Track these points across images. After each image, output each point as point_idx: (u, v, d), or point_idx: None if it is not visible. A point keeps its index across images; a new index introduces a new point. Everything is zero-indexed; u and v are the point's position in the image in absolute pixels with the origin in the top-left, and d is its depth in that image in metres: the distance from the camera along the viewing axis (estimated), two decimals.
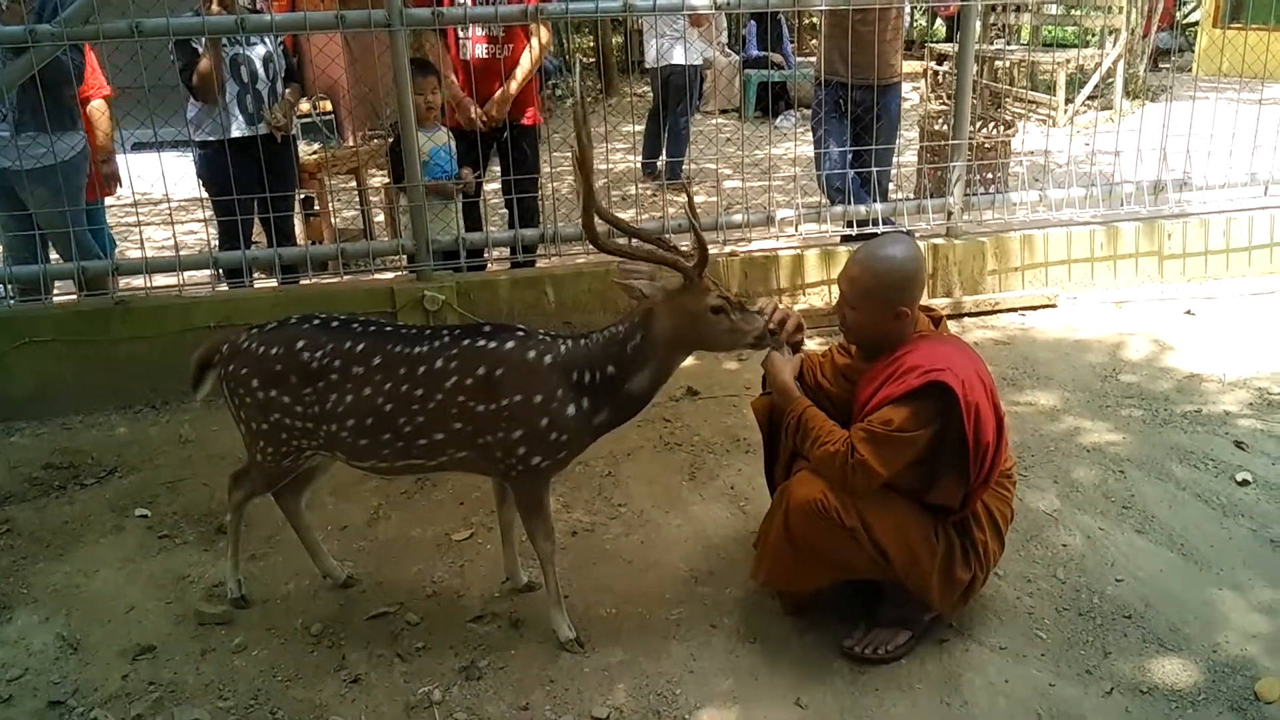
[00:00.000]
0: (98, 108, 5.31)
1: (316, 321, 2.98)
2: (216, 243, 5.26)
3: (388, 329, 2.96)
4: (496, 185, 5.87)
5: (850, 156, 5.60)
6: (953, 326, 5.29)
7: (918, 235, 5.67)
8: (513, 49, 5.42)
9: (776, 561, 2.94)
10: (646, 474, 4.02)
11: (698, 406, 4.60)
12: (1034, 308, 5.56)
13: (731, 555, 3.42)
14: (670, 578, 3.34)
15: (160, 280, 4.97)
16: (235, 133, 5.11)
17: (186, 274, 4.95)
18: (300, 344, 2.91)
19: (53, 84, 4.64)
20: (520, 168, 5.39)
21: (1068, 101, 11.31)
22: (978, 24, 5.40)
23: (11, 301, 4.84)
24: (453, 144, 5.39)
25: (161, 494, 3.98)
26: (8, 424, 4.58)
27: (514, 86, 5.36)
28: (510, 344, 2.85)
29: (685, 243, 2.91)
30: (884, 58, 5.52)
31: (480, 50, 5.39)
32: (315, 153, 7.33)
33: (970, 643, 2.97)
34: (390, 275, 5.14)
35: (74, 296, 4.93)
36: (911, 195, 6.62)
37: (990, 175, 7.06)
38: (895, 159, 5.89)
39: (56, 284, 5.13)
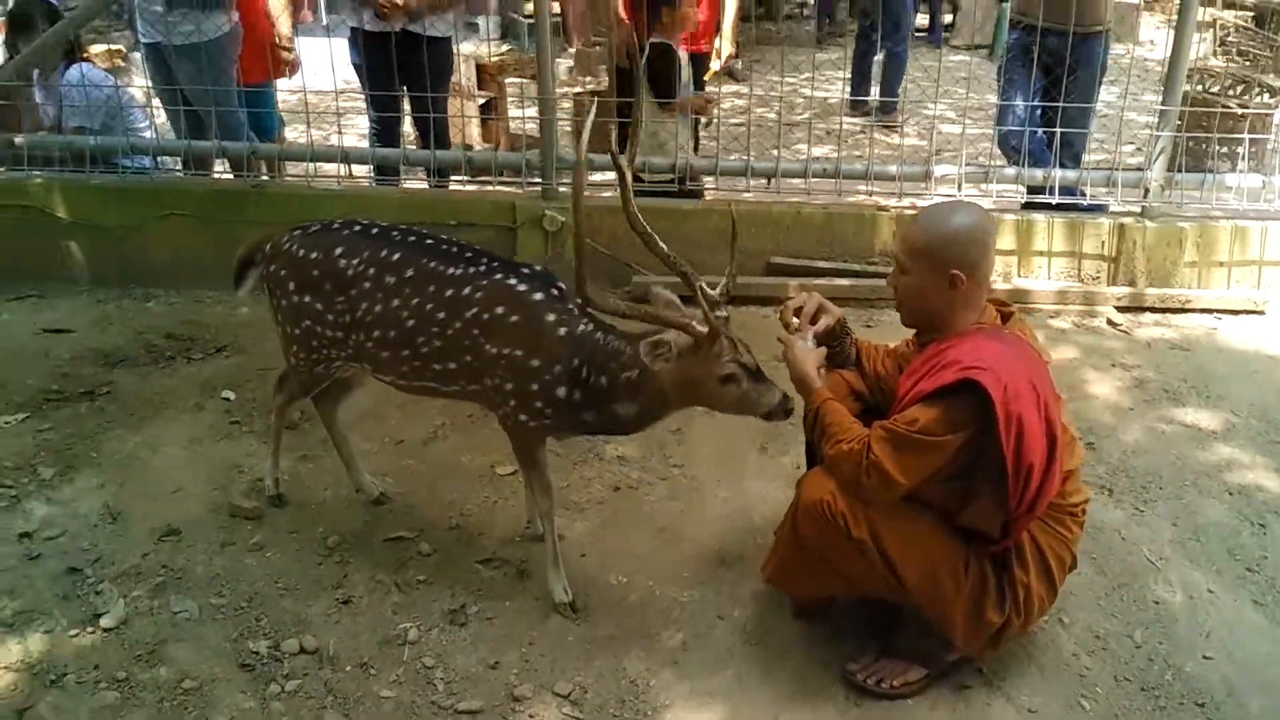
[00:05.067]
0: None
1: (358, 228, 2.91)
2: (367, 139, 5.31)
3: (429, 241, 2.85)
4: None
5: (1039, 113, 4.93)
6: (1125, 320, 4.64)
7: (1109, 211, 4.97)
8: None
9: (784, 561, 2.67)
10: (716, 436, 3.73)
11: None
12: (1234, 312, 4.77)
13: (768, 543, 3.09)
14: (696, 555, 3.11)
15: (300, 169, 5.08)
16: (368, 25, 5.01)
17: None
18: (339, 250, 2.84)
19: None
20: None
21: None
22: None
23: (176, 170, 5.05)
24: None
25: (253, 379, 4.08)
26: (148, 290, 4.84)
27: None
28: (538, 296, 2.69)
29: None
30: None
31: None
32: (502, 55, 7.29)
33: (996, 696, 2.58)
34: (519, 190, 4.99)
35: (225, 175, 5.10)
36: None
37: (1241, 151, 6.04)
38: (1092, 120, 5.13)
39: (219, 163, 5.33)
